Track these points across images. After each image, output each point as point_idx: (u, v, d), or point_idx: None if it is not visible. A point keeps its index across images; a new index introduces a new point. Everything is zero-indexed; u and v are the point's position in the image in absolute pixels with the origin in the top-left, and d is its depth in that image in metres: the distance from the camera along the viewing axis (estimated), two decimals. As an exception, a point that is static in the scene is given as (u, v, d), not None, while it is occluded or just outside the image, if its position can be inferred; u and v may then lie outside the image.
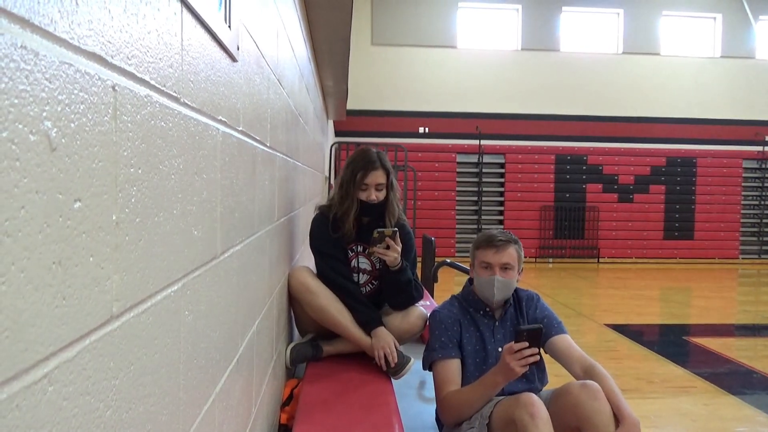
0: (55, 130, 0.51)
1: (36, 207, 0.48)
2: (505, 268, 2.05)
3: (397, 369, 2.32)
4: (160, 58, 0.77)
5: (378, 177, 2.37)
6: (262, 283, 1.74)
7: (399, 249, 2.34)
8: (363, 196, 2.37)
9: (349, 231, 2.41)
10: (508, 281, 2.06)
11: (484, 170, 11.72)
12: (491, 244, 2.06)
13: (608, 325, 5.99)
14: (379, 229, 2.32)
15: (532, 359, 1.80)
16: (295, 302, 2.49)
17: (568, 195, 11.76)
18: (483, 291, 2.09)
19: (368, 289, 2.53)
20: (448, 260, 5.03)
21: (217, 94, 1.11)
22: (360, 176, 2.36)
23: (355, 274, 2.50)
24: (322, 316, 2.38)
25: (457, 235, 11.54)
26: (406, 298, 2.47)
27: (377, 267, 2.50)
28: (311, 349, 2.46)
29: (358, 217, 2.41)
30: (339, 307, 2.38)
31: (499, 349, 2.02)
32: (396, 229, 2.35)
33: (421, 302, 2.59)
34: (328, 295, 2.38)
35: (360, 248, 2.50)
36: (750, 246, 12.25)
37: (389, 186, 2.42)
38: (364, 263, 2.51)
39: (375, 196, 2.38)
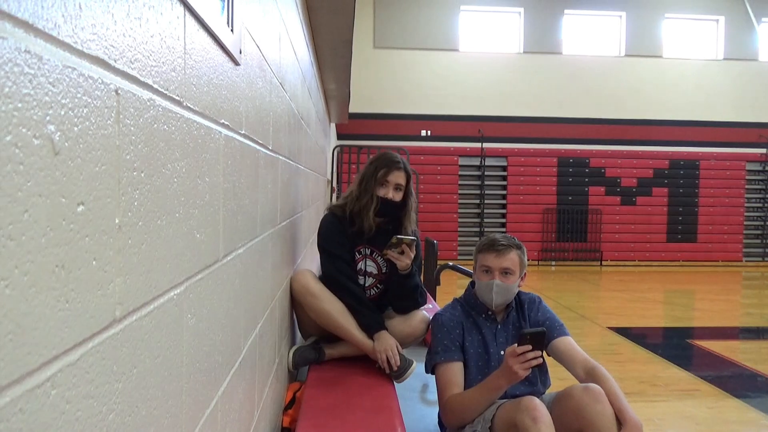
0: (59, 133, 0.51)
1: (39, 210, 0.48)
2: (506, 272, 2.05)
3: (399, 372, 2.32)
4: (162, 62, 0.78)
5: (399, 177, 2.41)
6: (264, 286, 1.74)
7: (412, 256, 2.36)
8: (381, 192, 2.40)
9: (369, 227, 2.41)
10: (507, 286, 2.06)
11: (486, 173, 11.71)
12: (492, 249, 2.06)
13: (611, 328, 5.98)
14: (399, 236, 2.32)
15: (534, 362, 1.80)
16: (297, 305, 2.49)
17: (570, 198, 11.75)
18: (483, 295, 2.09)
19: (373, 292, 2.54)
20: (451, 263, 5.03)
21: (220, 98, 1.11)
22: (383, 173, 2.40)
23: (360, 277, 2.50)
24: (325, 319, 2.39)
25: (460, 238, 11.53)
26: (411, 302, 2.48)
27: (383, 270, 2.51)
28: (313, 352, 2.46)
29: (375, 214, 2.40)
30: (342, 311, 2.38)
31: (502, 352, 2.02)
32: (414, 238, 2.35)
33: (424, 305, 2.59)
34: (330, 299, 2.38)
35: (368, 251, 2.51)
36: (754, 248, 12.22)
37: (407, 192, 2.45)
38: (371, 266, 2.52)
39: (392, 194, 2.40)
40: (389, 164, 2.41)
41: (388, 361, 2.31)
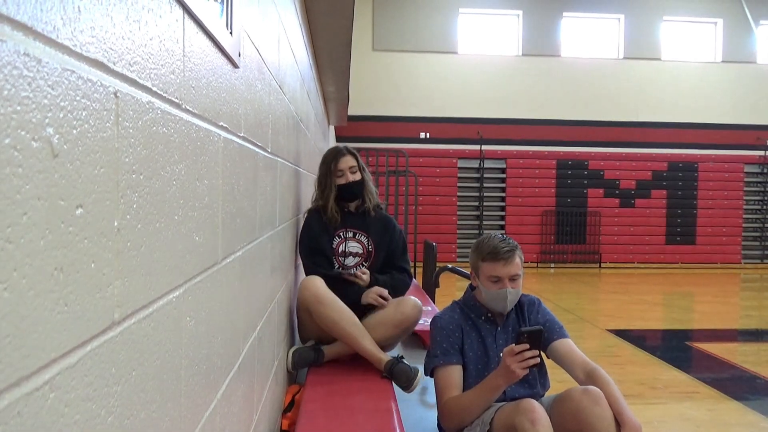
0: (57, 136, 0.51)
1: (38, 213, 0.48)
2: (513, 278, 2.04)
3: (408, 382, 2.32)
4: (161, 65, 0.78)
5: (348, 161, 2.74)
6: (263, 289, 1.74)
7: (365, 279, 2.61)
8: (342, 180, 2.72)
9: (332, 214, 2.69)
10: (517, 291, 2.07)
11: (485, 175, 11.72)
12: (498, 257, 2.02)
13: (610, 331, 5.97)
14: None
15: (532, 361, 1.79)
16: (303, 311, 2.52)
17: (569, 200, 11.75)
18: (493, 304, 2.07)
19: (360, 269, 2.67)
20: (450, 266, 5.03)
21: (219, 100, 1.11)
22: (333, 165, 2.73)
23: (341, 258, 2.71)
24: (333, 327, 2.41)
25: (459, 241, 11.52)
26: (395, 293, 2.66)
27: (369, 249, 2.72)
28: (313, 353, 2.47)
29: (338, 201, 2.72)
30: (351, 320, 2.42)
31: (501, 355, 2.02)
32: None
33: (424, 307, 2.60)
34: (340, 308, 2.43)
35: (351, 234, 2.74)
36: (752, 251, 12.23)
37: (361, 168, 2.77)
38: (354, 246, 2.71)
39: (351, 177, 2.73)
40: (336, 156, 2.75)
41: (383, 298, 2.51)
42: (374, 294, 2.54)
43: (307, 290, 2.45)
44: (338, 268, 2.68)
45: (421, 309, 2.55)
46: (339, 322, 2.40)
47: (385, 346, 2.50)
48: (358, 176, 2.74)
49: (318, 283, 2.46)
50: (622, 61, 11.96)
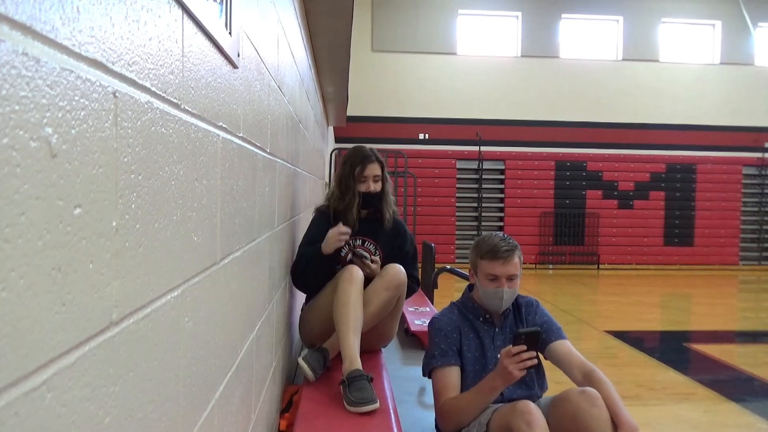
0: (56, 136, 0.51)
1: (36, 213, 0.48)
2: (511, 278, 2.05)
3: (353, 402, 2.01)
4: (160, 65, 0.78)
5: (375, 169, 2.59)
6: (262, 290, 1.74)
7: (374, 267, 2.52)
8: (363, 188, 2.58)
9: (353, 221, 2.55)
10: (514, 291, 2.07)
11: (484, 176, 11.72)
12: (497, 256, 2.02)
13: (608, 332, 5.98)
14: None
15: (530, 362, 1.80)
16: (311, 310, 2.53)
17: (567, 201, 11.76)
18: (489, 303, 2.07)
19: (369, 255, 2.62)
20: (448, 266, 5.03)
21: (218, 101, 1.11)
22: (359, 170, 2.57)
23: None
24: (340, 304, 2.31)
25: (457, 242, 11.53)
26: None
27: (375, 255, 2.64)
28: (319, 353, 2.38)
29: (359, 209, 2.58)
30: (358, 311, 2.31)
31: (499, 356, 2.02)
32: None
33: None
34: (357, 296, 2.34)
35: (359, 241, 2.64)
36: (750, 252, 12.24)
37: (384, 178, 2.63)
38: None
39: (373, 187, 2.58)
40: (363, 160, 2.58)
41: (357, 253, 2.48)
42: (335, 238, 2.42)
43: (348, 271, 2.37)
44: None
45: (403, 270, 2.51)
46: (347, 304, 2.28)
47: (386, 332, 2.57)
48: (379, 186, 2.60)
49: (360, 273, 2.41)
50: (621, 63, 11.98)
